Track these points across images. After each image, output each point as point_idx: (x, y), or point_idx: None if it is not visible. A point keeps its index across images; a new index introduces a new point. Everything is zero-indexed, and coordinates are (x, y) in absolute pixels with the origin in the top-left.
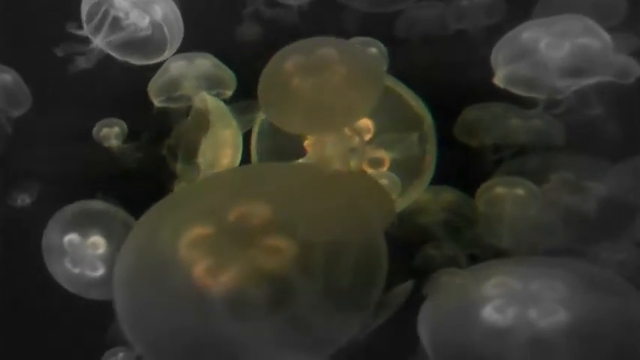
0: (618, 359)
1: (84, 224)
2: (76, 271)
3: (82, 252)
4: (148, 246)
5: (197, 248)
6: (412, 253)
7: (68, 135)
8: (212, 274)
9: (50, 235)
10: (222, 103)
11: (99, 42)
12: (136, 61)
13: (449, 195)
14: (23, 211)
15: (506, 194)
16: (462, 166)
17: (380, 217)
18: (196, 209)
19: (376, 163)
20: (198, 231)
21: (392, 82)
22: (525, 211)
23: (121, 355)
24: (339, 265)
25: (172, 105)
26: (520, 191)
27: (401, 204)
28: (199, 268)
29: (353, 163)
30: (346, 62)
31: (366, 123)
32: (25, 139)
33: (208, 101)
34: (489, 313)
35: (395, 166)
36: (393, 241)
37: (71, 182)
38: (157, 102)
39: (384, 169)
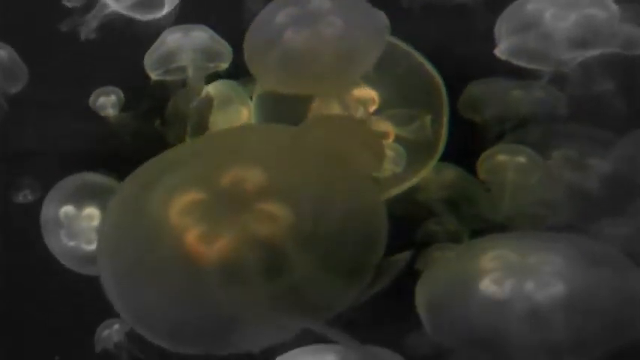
0: (615, 333)
1: (79, 196)
2: (72, 244)
3: (77, 224)
4: (135, 212)
5: (189, 214)
6: (414, 229)
7: (66, 110)
8: (205, 241)
9: (47, 207)
10: (235, 83)
11: None
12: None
13: (450, 172)
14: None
15: (507, 162)
16: (465, 143)
17: (372, 164)
18: (188, 174)
19: (381, 135)
20: (191, 196)
21: (421, 59)
22: (527, 179)
23: (115, 327)
24: (335, 232)
25: (169, 77)
26: (522, 159)
27: (405, 184)
28: (191, 235)
29: None
30: (342, 14)
31: (370, 93)
32: (23, 115)
33: (220, 85)
34: (487, 285)
35: (403, 144)
36: (394, 216)
37: (69, 157)
38: (154, 75)
39: (389, 141)
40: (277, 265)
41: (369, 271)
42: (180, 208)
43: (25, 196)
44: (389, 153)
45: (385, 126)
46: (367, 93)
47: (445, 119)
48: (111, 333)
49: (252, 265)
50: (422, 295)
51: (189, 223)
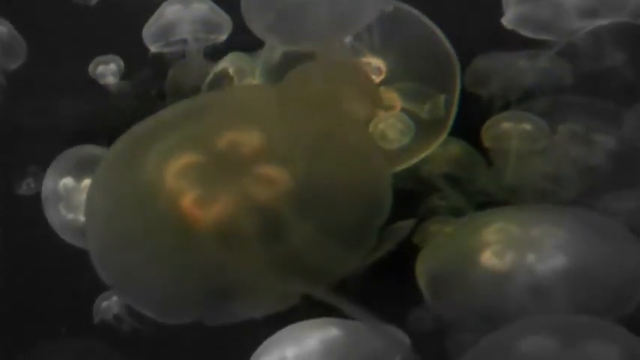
0: (616, 307)
1: (79, 169)
2: (70, 216)
3: (76, 197)
4: (127, 174)
5: (184, 177)
6: (416, 204)
7: (66, 86)
8: (201, 205)
9: (47, 181)
10: (247, 56)
11: None
12: None
13: (455, 148)
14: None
15: (512, 129)
16: (470, 117)
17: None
18: (183, 136)
19: (388, 105)
20: (186, 159)
21: (434, 27)
22: (532, 147)
23: (114, 298)
24: (335, 195)
25: (167, 49)
26: (527, 126)
27: (411, 159)
28: (187, 199)
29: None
30: None
31: (377, 62)
32: (22, 91)
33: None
34: (488, 257)
35: (410, 118)
36: (396, 191)
37: (69, 132)
38: (153, 48)
39: (396, 111)
40: (275, 229)
41: (371, 236)
42: (176, 170)
43: (28, 185)
44: (396, 124)
45: (392, 96)
46: (374, 61)
47: (457, 95)
48: (110, 304)
49: (250, 229)
50: (423, 269)
51: (184, 187)
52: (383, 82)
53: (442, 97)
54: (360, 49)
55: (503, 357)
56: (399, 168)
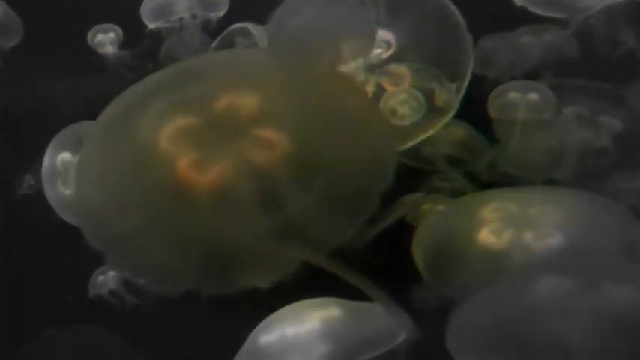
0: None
1: (77, 144)
2: (68, 192)
3: (74, 172)
4: (121, 137)
5: (180, 141)
6: (418, 185)
7: (62, 65)
8: (198, 169)
9: (47, 158)
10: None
11: None
12: None
13: (460, 130)
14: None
15: (519, 99)
16: (476, 99)
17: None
18: (179, 98)
19: (397, 79)
20: (182, 122)
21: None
22: (539, 117)
23: (111, 273)
24: (335, 159)
25: (165, 25)
26: (534, 96)
27: (413, 138)
28: (183, 163)
29: (371, 79)
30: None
31: (386, 36)
32: (18, 71)
33: None
34: (486, 235)
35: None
36: (399, 172)
37: (67, 111)
38: (151, 25)
39: (406, 87)
40: (274, 194)
41: (372, 204)
42: (171, 134)
43: (28, 182)
44: (409, 100)
45: (402, 71)
46: (384, 34)
47: (469, 72)
48: (106, 279)
49: (248, 194)
50: (420, 247)
51: (180, 150)
52: (392, 57)
53: (453, 86)
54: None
55: (518, 298)
56: (402, 146)
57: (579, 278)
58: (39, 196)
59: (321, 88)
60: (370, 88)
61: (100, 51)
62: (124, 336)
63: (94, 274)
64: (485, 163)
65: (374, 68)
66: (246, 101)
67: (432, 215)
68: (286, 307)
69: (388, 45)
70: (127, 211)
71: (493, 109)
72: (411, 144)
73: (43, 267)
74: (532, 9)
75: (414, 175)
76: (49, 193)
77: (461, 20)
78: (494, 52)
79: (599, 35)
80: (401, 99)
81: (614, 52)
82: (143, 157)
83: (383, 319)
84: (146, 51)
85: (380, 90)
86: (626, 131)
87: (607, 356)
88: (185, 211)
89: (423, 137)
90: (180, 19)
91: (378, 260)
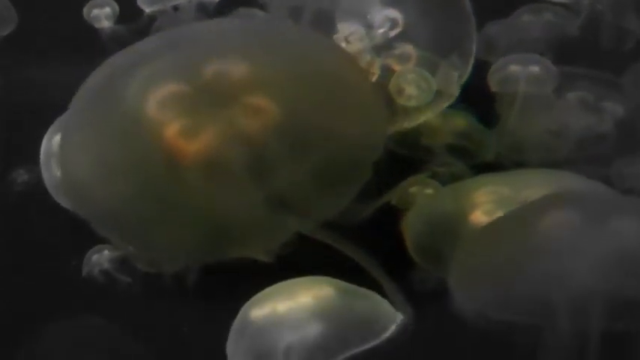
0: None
1: None
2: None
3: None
4: (108, 102)
5: (169, 107)
6: (417, 171)
7: (58, 52)
8: (186, 136)
9: (44, 142)
10: None
11: None
12: None
13: (460, 120)
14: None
15: (520, 72)
16: (477, 85)
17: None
18: (167, 64)
19: (403, 58)
20: (170, 88)
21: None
22: (540, 90)
23: (105, 252)
24: (324, 132)
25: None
26: (535, 68)
27: (410, 121)
28: (171, 129)
29: (378, 58)
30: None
31: (393, 14)
32: (14, 58)
33: None
34: (478, 217)
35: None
36: (398, 158)
37: (64, 98)
38: (148, 10)
39: (411, 64)
40: (264, 163)
41: (363, 173)
42: (159, 100)
43: (21, 177)
44: (418, 81)
45: (408, 49)
46: (391, 12)
47: (472, 54)
48: (100, 258)
49: (238, 162)
50: (411, 230)
51: (168, 117)
52: (399, 36)
53: (456, 75)
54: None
55: (525, 230)
56: (398, 127)
57: (587, 212)
58: (35, 185)
59: (311, 57)
60: (377, 67)
61: (96, 25)
62: (119, 318)
63: (89, 252)
64: (486, 154)
65: (380, 47)
66: (236, 68)
67: (421, 198)
68: (279, 284)
69: (395, 23)
70: (114, 179)
71: (494, 82)
72: (407, 125)
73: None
74: None
75: (413, 165)
76: (46, 176)
77: (467, 1)
78: (498, 37)
79: (605, 21)
80: (409, 79)
81: (620, 38)
82: (130, 124)
83: (377, 304)
84: (142, 28)
85: (386, 69)
86: (629, 117)
87: (615, 292)
88: (174, 179)
89: (421, 120)
90: (176, 5)
91: (373, 242)
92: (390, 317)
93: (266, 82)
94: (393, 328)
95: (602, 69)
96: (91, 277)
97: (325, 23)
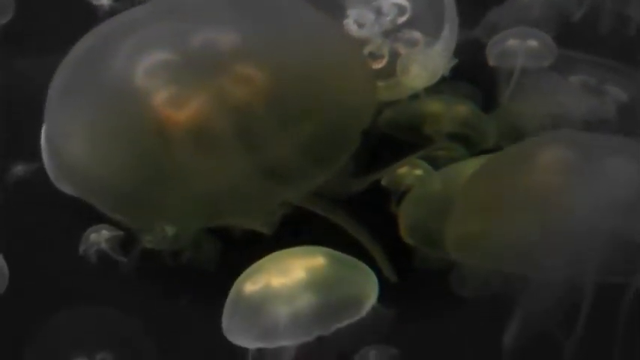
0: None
1: None
2: None
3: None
4: (94, 70)
5: (157, 75)
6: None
7: (56, 41)
8: (174, 104)
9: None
10: None
11: None
12: None
13: (462, 108)
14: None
15: (518, 46)
16: (480, 69)
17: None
18: (154, 32)
19: (410, 43)
20: (158, 56)
21: None
22: (539, 65)
23: (103, 232)
24: (313, 101)
25: None
26: (533, 42)
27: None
28: (160, 97)
29: (386, 43)
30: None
31: (402, 1)
32: (12, 47)
33: None
34: None
35: None
36: (396, 142)
37: None
38: None
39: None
40: (253, 132)
41: (353, 140)
42: (147, 68)
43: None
44: (425, 62)
45: (415, 35)
46: (398, 1)
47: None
48: (98, 238)
49: (227, 131)
50: (405, 217)
51: (156, 85)
52: (407, 23)
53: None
54: None
55: (523, 166)
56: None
57: (582, 151)
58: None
59: (300, 26)
60: (385, 51)
61: (95, 2)
62: (116, 297)
63: (87, 230)
64: (487, 142)
65: (389, 33)
66: (225, 37)
67: (410, 179)
68: (270, 255)
69: (403, 10)
70: (104, 149)
71: (492, 57)
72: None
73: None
74: None
75: (413, 150)
76: (47, 163)
77: None
78: (500, 20)
79: (606, 8)
80: (416, 59)
81: (622, 25)
82: (118, 91)
83: (366, 275)
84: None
85: (394, 53)
86: (632, 101)
87: (611, 233)
88: (163, 147)
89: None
90: None
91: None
92: (373, 289)
93: (255, 51)
94: (374, 300)
95: (603, 55)
96: (87, 256)
97: (335, 8)
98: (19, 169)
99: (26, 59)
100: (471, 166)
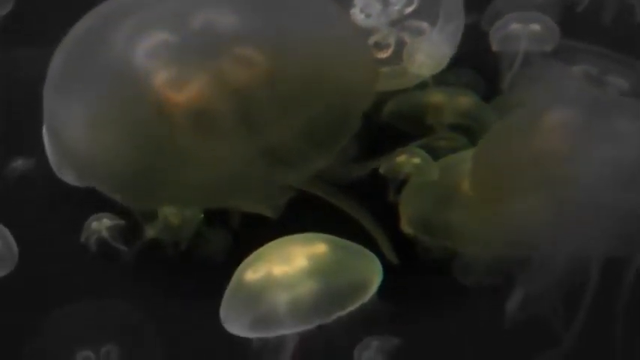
0: None
1: None
2: None
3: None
4: (96, 51)
5: (157, 56)
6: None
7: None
8: (175, 86)
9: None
10: None
11: None
12: None
13: (465, 99)
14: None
15: (521, 30)
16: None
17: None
18: (155, 14)
19: (417, 33)
20: (159, 37)
21: None
22: (542, 49)
23: (104, 220)
24: (313, 84)
25: None
26: (536, 26)
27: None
28: (160, 78)
29: (393, 33)
30: None
31: None
32: (11, 38)
33: None
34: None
35: None
36: (398, 133)
37: None
38: None
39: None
40: (253, 113)
41: (354, 122)
42: (147, 48)
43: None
44: (430, 51)
45: (421, 24)
46: None
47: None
48: (99, 226)
49: (227, 112)
50: (407, 209)
51: (156, 65)
52: (414, 13)
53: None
54: None
55: (531, 126)
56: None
57: (589, 111)
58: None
59: (300, 8)
60: (392, 41)
61: None
62: (117, 286)
63: (89, 219)
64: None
65: (395, 23)
66: (225, 18)
67: (408, 167)
68: (271, 243)
69: (410, 1)
70: (105, 130)
71: (495, 41)
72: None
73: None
74: None
75: (413, 137)
76: (48, 150)
77: None
78: (504, 8)
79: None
80: (422, 47)
81: (626, 14)
82: (118, 71)
83: (368, 260)
84: None
85: (400, 42)
86: (634, 92)
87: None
88: (164, 129)
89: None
90: None
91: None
92: (376, 274)
93: (256, 33)
94: (377, 285)
95: (606, 44)
96: (88, 245)
97: None
98: (19, 164)
99: (26, 49)
100: (466, 154)
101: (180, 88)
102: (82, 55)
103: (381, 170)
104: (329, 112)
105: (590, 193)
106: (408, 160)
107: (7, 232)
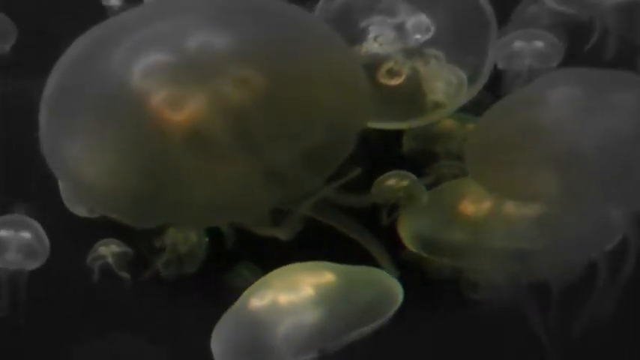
0: None
1: None
2: None
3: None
4: (91, 71)
5: (154, 77)
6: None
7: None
8: (171, 106)
9: None
10: None
11: None
12: None
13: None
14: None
15: (525, 48)
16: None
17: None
18: (151, 34)
19: (432, 62)
20: (155, 57)
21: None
22: (547, 65)
23: (112, 246)
24: (310, 103)
25: None
26: (540, 44)
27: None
28: (156, 99)
29: (408, 61)
30: None
31: (426, 21)
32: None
33: None
34: (466, 205)
35: None
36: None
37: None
38: None
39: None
40: (250, 134)
41: (349, 142)
42: (144, 69)
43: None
44: (449, 78)
45: (436, 53)
46: (422, 19)
47: (486, 69)
48: (105, 252)
49: (224, 133)
50: (407, 230)
51: (153, 86)
52: (428, 41)
53: (465, 86)
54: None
55: (532, 106)
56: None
57: (589, 87)
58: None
59: (296, 29)
60: (406, 69)
61: (104, 4)
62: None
63: (97, 243)
64: None
65: (411, 51)
66: (222, 39)
67: (398, 190)
68: (277, 271)
69: (427, 29)
70: (103, 153)
71: (500, 59)
72: (394, 125)
73: None
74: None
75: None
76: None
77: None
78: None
79: (610, 31)
80: (439, 74)
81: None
82: (115, 92)
83: (379, 284)
84: None
85: (414, 72)
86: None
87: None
88: (162, 149)
89: (408, 125)
90: None
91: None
92: (393, 297)
93: (253, 53)
94: (394, 309)
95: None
96: (91, 268)
97: (349, 22)
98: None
99: (29, 82)
100: (472, 182)
101: (177, 108)
102: (78, 78)
103: (372, 194)
104: (325, 133)
105: (596, 165)
106: (397, 183)
107: (38, 226)
